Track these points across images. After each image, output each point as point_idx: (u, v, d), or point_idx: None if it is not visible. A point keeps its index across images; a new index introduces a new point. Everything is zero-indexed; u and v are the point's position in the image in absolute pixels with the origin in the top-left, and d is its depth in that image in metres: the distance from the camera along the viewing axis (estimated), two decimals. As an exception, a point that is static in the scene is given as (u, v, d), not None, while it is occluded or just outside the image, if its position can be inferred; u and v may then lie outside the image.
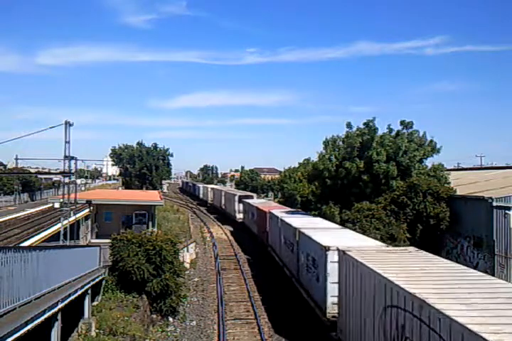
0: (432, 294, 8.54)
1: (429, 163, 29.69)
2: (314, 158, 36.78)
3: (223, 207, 60.14)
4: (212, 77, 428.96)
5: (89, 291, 15.83)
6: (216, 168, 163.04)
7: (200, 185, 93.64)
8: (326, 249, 15.73)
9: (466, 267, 12.10)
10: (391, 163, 27.67)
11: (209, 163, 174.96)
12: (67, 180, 23.94)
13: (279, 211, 31.96)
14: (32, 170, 76.95)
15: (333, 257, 15.08)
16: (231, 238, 42.36)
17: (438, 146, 29.59)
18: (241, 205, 48.63)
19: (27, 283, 9.98)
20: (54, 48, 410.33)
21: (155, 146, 74.18)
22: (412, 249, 14.53)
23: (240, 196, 50.90)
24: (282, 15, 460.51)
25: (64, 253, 14.01)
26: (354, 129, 31.04)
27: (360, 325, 12.06)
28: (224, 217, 57.79)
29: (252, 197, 51.86)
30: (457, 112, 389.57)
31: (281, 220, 26.28)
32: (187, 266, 27.75)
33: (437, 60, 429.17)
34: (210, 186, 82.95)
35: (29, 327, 9.30)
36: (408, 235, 24.83)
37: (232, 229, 48.64)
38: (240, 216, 48.82)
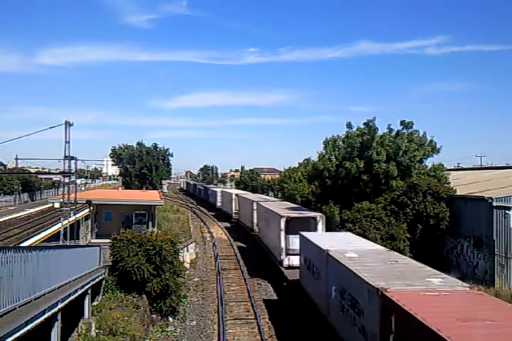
0: None
1: (429, 163, 29.76)
2: (314, 158, 36.85)
3: (256, 229, 36.94)
4: (213, 77, 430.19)
5: (89, 291, 15.82)
6: (216, 168, 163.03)
7: (217, 190, 66.87)
8: None
9: None
10: (391, 163, 27.68)
11: (209, 163, 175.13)
12: (67, 180, 23.94)
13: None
14: (32, 170, 77.02)
15: None
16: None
17: (438, 146, 29.64)
18: (293, 239, 23.78)
19: (27, 283, 9.97)
20: (54, 48, 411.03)
21: (155, 146, 74.20)
22: None
23: (288, 219, 25.26)
24: (282, 15, 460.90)
25: (64, 253, 13.99)
26: (354, 129, 31.08)
27: None
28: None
29: (315, 221, 24.96)
30: (458, 112, 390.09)
31: None
32: (187, 266, 27.76)
33: (438, 59, 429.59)
34: (234, 191, 56.97)
35: (29, 327, 9.28)
36: (408, 235, 24.84)
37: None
38: (290, 261, 24.27)
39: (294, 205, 35.11)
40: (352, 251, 15.87)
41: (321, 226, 24.89)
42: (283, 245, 24.81)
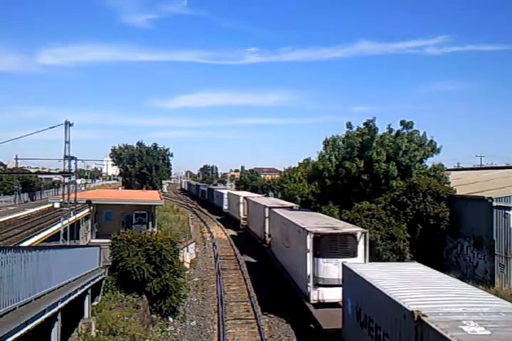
0: None
1: (429, 163, 29.81)
2: (314, 158, 36.92)
3: (268, 240, 30.31)
4: (213, 77, 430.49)
5: (89, 291, 15.83)
6: (216, 167, 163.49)
7: (224, 192, 59.96)
8: None
9: None
10: (391, 162, 27.71)
11: (209, 163, 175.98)
12: (67, 180, 23.94)
13: None
14: (32, 170, 76.98)
15: None
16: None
17: (438, 146, 29.69)
18: (325, 264, 17.96)
19: (27, 283, 9.98)
20: (54, 48, 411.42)
21: (155, 146, 74.23)
22: None
23: (317, 235, 18.27)
24: (283, 15, 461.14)
25: (64, 253, 14.00)
26: (354, 129, 31.16)
27: None
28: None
29: (355, 239, 18.35)
30: (458, 112, 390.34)
31: None
32: (187, 266, 27.76)
33: (438, 59, 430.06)
34: (242, 194, 50.08)
35: (29, 327, 9.28)
36: (408, 235, 24.85)
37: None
38: (320, 295, 17.90)
39: (319, 214, 27.09)
40: (464, 314, 8.62)
41: (362, 246, 18.20)
42: (310, 271, 18.04)
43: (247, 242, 37.69)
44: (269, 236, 30.27)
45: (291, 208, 31.97)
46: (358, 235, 18.38)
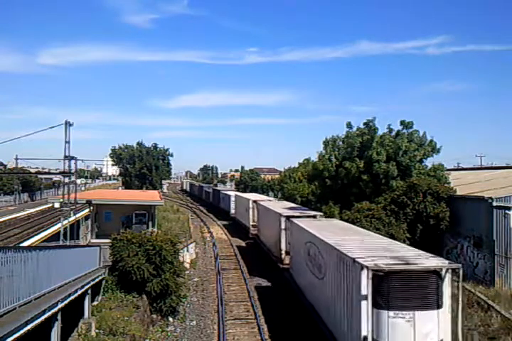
0: None
1: (429, 163, 29.82)
2: (314, 158, 36.99)
3: (286, 260, 24.68)
4: (213, 77, 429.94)
5: (89, 291, 15.82)
6: (216, 167, 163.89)
7: (231, 194, 55.29)
8: None
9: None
10: (391, 162, 27.73)
11: (209, 163, 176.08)
12: (67, 180, 23.95)
13: None
14: (32, 170, 76.96)
15: None
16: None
17: (438, 146, 29.69)
18: (392, 320, 10.91)
19: (27, 283, 9.98)
20: (55, 48, 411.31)
21: (155, 146, 74.23)
22: None
23: (380, 274, 10.91)
24: (283, 14, 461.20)
25: (64, 253, 14.00)
26: (354, 129, 31.15)
27: None
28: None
29: (439, 278, 11.22)
30: (458, 112, 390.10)
31: None
32: (187, 266, 27.76)
33: (439, 59, 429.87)
34: (251, 197, 43.46)
35: (29, 327, 9.28)
36: (408, 235, 24.85)
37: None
38: None
39: (361, 230, 19.81)
40: None
41: (448, 290, 11.60)
42: (365, 331, 11.20)
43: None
44: (287, 253, 24.25)
45: (314, 218, 25.32)
46: (443, 272, 11.49)
